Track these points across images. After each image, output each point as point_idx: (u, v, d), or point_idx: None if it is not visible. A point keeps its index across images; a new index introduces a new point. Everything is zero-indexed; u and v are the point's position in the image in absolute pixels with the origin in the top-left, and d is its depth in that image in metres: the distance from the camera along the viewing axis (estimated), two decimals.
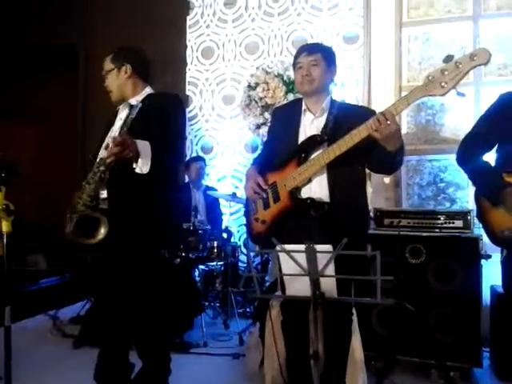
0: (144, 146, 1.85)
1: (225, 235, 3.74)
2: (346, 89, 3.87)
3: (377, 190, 3.28)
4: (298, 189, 1.95)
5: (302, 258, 1.52)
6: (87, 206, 1.90)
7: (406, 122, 3.33)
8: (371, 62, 3.40)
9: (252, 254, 3.63)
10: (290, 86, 3.54)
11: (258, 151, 2.89)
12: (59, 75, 5.06)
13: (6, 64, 5.01)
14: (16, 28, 4.94)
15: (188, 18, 4.51)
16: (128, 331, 2.06)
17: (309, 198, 1.92)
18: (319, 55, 1.95)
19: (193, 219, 3.34)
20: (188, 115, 4.50)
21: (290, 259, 1.53)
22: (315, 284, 1.54)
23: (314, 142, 1.94)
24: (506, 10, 3.16)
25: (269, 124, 2.45)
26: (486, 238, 2.51)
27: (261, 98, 3.70)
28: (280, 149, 2.06)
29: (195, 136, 4.50)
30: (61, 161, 4.95)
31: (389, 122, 1.66)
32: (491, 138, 2.01)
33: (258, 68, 4.01)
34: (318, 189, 1.94)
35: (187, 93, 4.51)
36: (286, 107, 2.28)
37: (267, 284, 3.11)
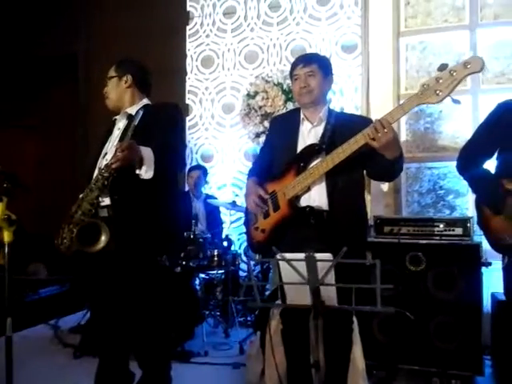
0: (147, 152, 1.88)
1: (225, 244, 3.74)
2: (344, 97, 3.90)
3: (376, 198, 3.29)
4: (297, 197, 1.96)
5: (301, 267, 1.52)
6: (87, 215, 1.91)
7: (404, 130, 3.35)
8: (369, 70, 3.42)
9: (252, 262, 3.63)
10: (289, 94, 3.57)
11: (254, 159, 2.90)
12: (59, 85, 5.10)
13: (6, 73, 5.04)
14: (16, 37, 4.98)
15: (188, 27, 4.55)
16: (128, 340, 2.06)
17: (308, 207, 1.94)
18: (315, 66, 1.98)
19: (193, 228, 3.35)
20: (188, 124, 4.53)
21: (290, 268, 1.53)
22: (315, 292, 1.54)
23: (312, 151, 1.96)
24: (503, 18, 3.19)
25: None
26: (486, 245, 2.52)
27: (260, 107, 3.72)
28: (278, 158, 2.08)
29: (195, 144, 4.51)
30: (61, 170, 4.97)
31: (386, 130, 1.68)
32: (491, 145, 2.02)
33: (257, 77, 4.05)
34: (317, 197, 1.95)
35: (187, 102, 4.53)
36: (283, 117, 2.30)
37: (268, 293, 3.11)
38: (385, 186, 3.25)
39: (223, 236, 3.87)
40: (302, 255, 1.49)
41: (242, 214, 3.68)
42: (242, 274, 3.87)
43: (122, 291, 2.00)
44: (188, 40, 4.55)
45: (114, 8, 4.74)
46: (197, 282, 3.41)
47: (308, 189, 1.95)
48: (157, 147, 1.91)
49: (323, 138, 1.96)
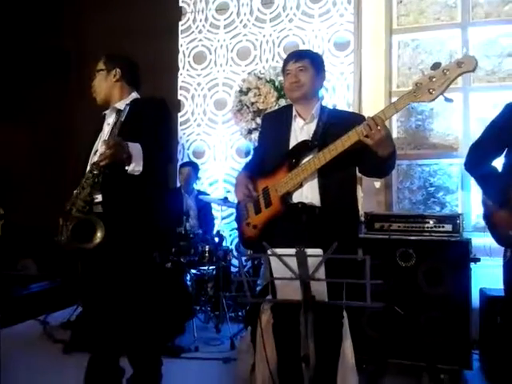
0: (135, 148, 1.88)
1: (216, 239, 3.74)
2: (337, 94, 3.92)
3: (368, 194, 3.31)
4: (289, 194, 1.97)
5: (292, 262, 1.53)
6: (81, 212, 1.91)
7: (396, 127, 3.37)
8: (362, 67, 3.43)
9: (243, 258, 3.64)
10: (281, 91, 3.57)
11: (250, 156, 2.91)
12: (51, 80, 5.04)
13: None
14: (5, 30, 4.92)
15: (180, 23, 4.53)
16: (119, 336, 2.05)
17: (300, 203, 1.94)
18: (307, 61, 1.98)
19: (184, 224, 3.35)
20: (180, 120, 4.52)
21: (281, 263, 1.54)
22: (306, 287, 1.55)
23: (304, 148, 1.96)
24: (494, 17, 3.22)
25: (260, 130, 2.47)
26: (474, 242, 2.55)
27: (252, 103, 3.72)
28: (271, 154, 2.08)
29: (187, 140, 4.50)
30: (52, 165, 4.92)
31: (379, 127, 1.69)
32: (499, 145, 2.04)
33: (249, 73, 4.04)
34: (309, 193, 1.96)
35: (179, 98, 4.52)
36: (275, 113, 2.30)
37: (259, 288, 3.12)
38: (376, 183, 3.27)
39: (215, 232, 3.87)
40: (292, 250, 1.50)
41: (233, 210, 3.69)
42: (233, 269, 3.88)
43: (114, 287, 1.99)
44: (180, 36, 4.53)
45: (106, 3, 4.70)
46: (188, 277, 3.40)
47: (300, 185, 1.96)
48: (145, 143, 1.91)
49: (315, 135, 1.96)
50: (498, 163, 2.05)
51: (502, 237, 1.93)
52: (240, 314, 3.69)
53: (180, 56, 4.53)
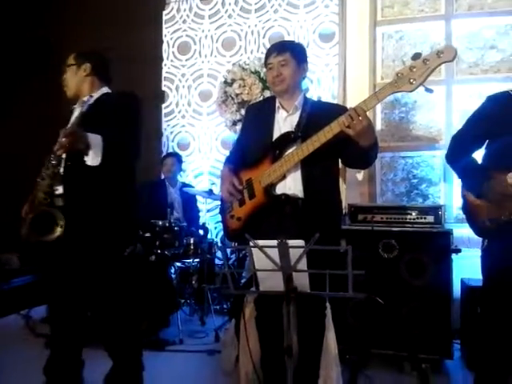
0: (95, 139, 1.87)
1: (201, 232, 3.73)
2: (322, 85, 3.91)
3: (351, 186, 3.32)
4: (272, 185, 1.96)
5: (275, 254, 1.52)
6: (43, 204, 1.91)
7: (380, 119, 3.38)
8: (346, 59, 3.43)
9: (228, 250, 3.63)
10: (266, 82, 3.54)
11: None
12: (32, 71, 4.93)
13: None
14: None
15: (164, 12, 4.46)
16: (79, 328, 2.06)
17: (283, 194, 1.94)
18: (288, 55, 1.96)
19: (169, 216, 3.32)
20: (164, 111, 4.48)
21: (263, 255, 1.53)
22: (288, 279, 1.55)
23: (287, 139, 1.95)
24: (477, 9, 3.23)
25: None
26: (456, 233, 2.58)
27: (237, 95, 3.69)
28: (254, 146, 2.07)
29: (171, 132, 4.46)
30: (35, 159, 4.83)
31: (361, 118, 1.68)
32: (480, 137, 2.05)
33: (234, 64, 4.00)
34: (292, 185, 1.96)
35: (163, 88, 4.47)
36: (259, 105, 2.29)
37: (244, 280, 3.12)
38: (360, 175, 3.29)
39: (199, 224, 3.85)
40: (274, 242, 1.50)
41: (218, 203, 3.67)
42: (218, 262, 3.87)
43: (76, 281, 1.98)
44: (164, 26, 4.47)
45: None
46: (172, 270, 3.38)
47: (283, 177, 1.95)
48: (108, 135, 1.89)
49: (298, 126, 1.96)
50: (478, 155, 2.07)
51: (480, 227, 1.94)
52: (225, 306, 3.70)
53: (164, 46, 4.47)
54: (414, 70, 1.63)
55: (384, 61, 3.37)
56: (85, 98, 2.09)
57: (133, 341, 2.10)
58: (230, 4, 4.27)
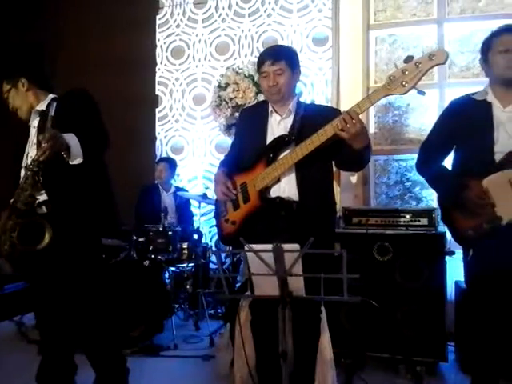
0: (71, 138, 1.86)
1: (195, 236, 3.71)
2: (315, 89, 3.92)
3: (345, 189, 3.33)
4: (267, 188, 1.96)
5: (269, 258, 1.52)
6: (23, 216, 1.88)
7: (373, 123, 3.39)
8: (340, 63, 3.44)
9: (223, 254, 3.62)
10: (260, 86, 3.54)
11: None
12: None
13: None
14: None
15: (157, 17, 4.47)
16: (70, 334, 2.04)
17: (278, 197, 1.94)
18: (283, 63, 1.94)
19: (162, 221, 3.30)
20: (158, 115, 4.47)
21: (258, 259, 1.53)
22: (283, 283, 1.54)
23: (281, 143, 1.95)
24: (469, 13, 3.26)
25: None
26: (450, 235, 2.58)
27: (231, 99, 3.69)
28: (248, 150, 2.07)
29: (165, 136, 4.45)
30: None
31: (354, 121, 1.69)
32: (447, 143, 2.08)
33: (228, 68, 4.01)
34: (286, 188, 1.96)
35: (157, 93, 4.46)
36: (252, 109, 2.29)
37: (238, 285, 3.11)
38: (354, 178, 3.29)
39: (194, 229, 3.84)
40: (269, 246, 1.49)
41: (212, 207, 3.65)
42: (212, 266, 3.85)
43: (63, 286, 1.97)
44: (158, 30, 4.47)
45: None
46: (166, 275, 3.36)
47: (278, 180, 1.95)
48: (79, 133, 1.89)
49: (292, 129, 1.96)
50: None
51: (462, 236, 1.95)
52: (219, 311, 3.68)
53: (158, 50, 4.47)
54: (407, 72, 1.64)
55: (377, 64, 3.38)
56: (37, 107, 2.07)
57: (112, 347, 2.08)
58: (223, 8, 4.28)
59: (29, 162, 1.93)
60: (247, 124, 2.14)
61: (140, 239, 3.25)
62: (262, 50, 4.02)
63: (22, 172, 1.99)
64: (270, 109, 2.04)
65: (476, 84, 3.29)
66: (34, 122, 2.08)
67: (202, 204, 3.78)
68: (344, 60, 3.43)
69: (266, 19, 4.14)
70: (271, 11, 4.13)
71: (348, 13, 3.41)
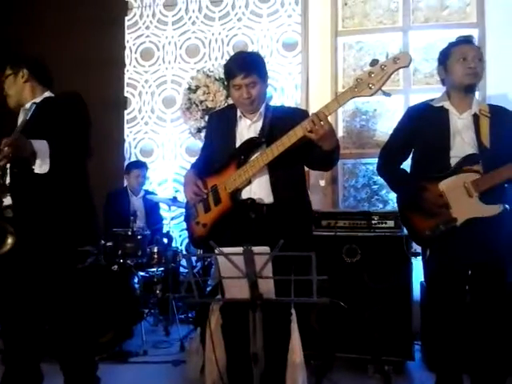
0: (41, 145, 1.81)
1: (165, 240, 3.67)
2: (285, 94, 3.96)
3: (314, 192, 3.37)
4: (238, 190, 1.96)
5: (240, 261, 1.52)
6: None
7: (341, 127, 3.45)
8: (309, 68, 3.48)
9: (194, 258, 3.59)
10: None
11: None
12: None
13: None
14: None
15: (126, 18, 4.40)
16: (35, 341, 1.99)
17: (249, 199, 1.94)
18: (255, 76, 1.93)
19: (131, 225, 3.25)
20: (126, 117, 4.40)
21: (229, 262, 1.52)
22: (253, 286, 1.55)
23: (252, 145, 1.96)
24: (433, 22, 3.37)
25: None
26: None
27: (201, 102, 3.68)
28: (218, 153, 2.07)
29: (134, 139, 4.38)
30: None
31: (322, 123, 1.72)
32: (405, 147, 2.16)
33: (198, 71, 3.99)
34: (257, 190, 1.96)
35: (126, 94, 4.39)
36: (220, 113, 2.29)
37: (210, 288, 3.10)
38: (322, 181, 3.34)
39: (163, 232, 3.79)
40: (239, 249, 1.49)
41: (183, 210, 3.63)
42: (182, 270, 3.81)
43: (28, 292, 1.92)
44: (127, 31, 4.41)
45: None
46: (136, 280, 3.31)
47: (249, 182, 1.96)
48: (54, 140, 1.85)
49: (262, 132, 1.97)
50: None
51: (420, 237, 2.03)
52: (190, 315, 3.64)
53: (126, 52, 4.41)
54: (373, 75, 1.68)
55: (345, 70, 3.45)
56: (27, 105, 2.04)
57: (86, 355, 2.03)
58: (193, 11, 4.26)
59: None
60: (216, 127, 2.14)
61: (108, 244, 3.18)
62: (232, 53, 4.03)
63: None
64: (239, 114, 2.05)
65: (440, 90, 3.35)
66: (21, 119, 2.03)
67: (172, 207, 3.75)
68: (313, 65, 3.48)
69: (237, 23, 4.16)
70: (241, 15, 4.15)
71: (317, 19, 3.47)
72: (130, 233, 3.19)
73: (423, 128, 2.05)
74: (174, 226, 4.04)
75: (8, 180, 1.92)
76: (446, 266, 1.98)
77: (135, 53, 4.39)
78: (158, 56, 4.33)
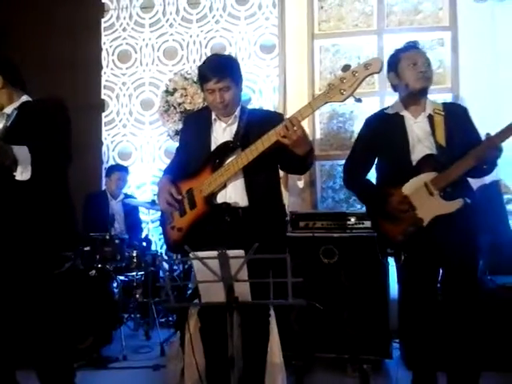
0: (21, 152, 1.79)
1: (144, 244, 3.64)
2: (263, 96, 3.98)
3: (293, 194, 3.39)
4: (213, 194, 1.97)
5: (215, 265, 1.52)
6: None
7: (319, 129, 3.48)
8: (286, 70, 3.51)
9: (171, 262, 3.58)
10: None
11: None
12: None
13: None
14: None
15: (103, 20, 4.36)
16: (10, 350, 1.96)
17: (224, 203, 1.95)
18: (229, 81, 1.93)
19: (109, 228, 3.22)
20: (104, 120, 4.36)
21: (204, 266, 1.53)
22: (229, 289, 1.55)
23: (226, 149, 1.97)
24: (407, 25, 3.44)
25: None
26: None
27: (179, 104, 3.67)
28: (194, 156, 2.07)
29: (112, 142, 4.34)
30: None
31: (295, 128, 1.74)
32: (368, 157, 2.21)
33: (176, 74, 3.98)
34: (233, 194, 1.97)
35: (103, 97, 4.35)
36: (196, 115, 2.30)
37: (190, 292, 3.09)
38: (301, 183, 3.36)
39: (143, 236, 3.77)
40: (215, 253, 1.50)
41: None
42: (162, 274, 3.79)
43: (7, 300, 1.89)
44: (103, 33, 4.37)
45: None
46: (115, 284, 3.27)
47: (224, 185, 1.96)
48: (35, 146, 1.82)
49: (237, 135, 1.98)
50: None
51: (393, 243, 2.06)
52: (171, 319, 3.63)
53: (103, 54, 4.37)
54: (345, 81, 1.70)
55: (322, 73, 3.48)
56: (6, 110, 2.01)
57: (63, 362, 2.00)
58: (170, 13, 4.25)
59: None
60: (192, 130, 2.13)
61: (86, 248, 3.14)
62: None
63: None
64: (214, 116, 2.05)
65: None
66: (0, 125, 1.99)
67: (151, 211, 3.72)
68: (290, 68, 3.50)
69: (214, 25, 4.16)
70: (219, 18, 4.16)
71: (293, 22, 3.49)
72: (107, 237, 3.16)
73: (382, 137, 2.10)
74: (154, 229, 4.02)
75: None
76: (418, 267, 2.02)
77: (112, 55, 4.36)
78: (136, 58, 4.31)
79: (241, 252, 1.51)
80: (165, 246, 3.96)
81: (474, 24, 3.28)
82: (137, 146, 4.30)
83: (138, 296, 3.42)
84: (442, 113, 2.04)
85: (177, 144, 3.88)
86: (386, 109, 2.17)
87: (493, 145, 1.86)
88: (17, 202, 1.87)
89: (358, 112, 3.37)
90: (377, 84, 3.33)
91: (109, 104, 4.35)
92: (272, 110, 3.72)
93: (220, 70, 1.94)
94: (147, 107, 4.26)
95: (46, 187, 1.92)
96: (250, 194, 1.96)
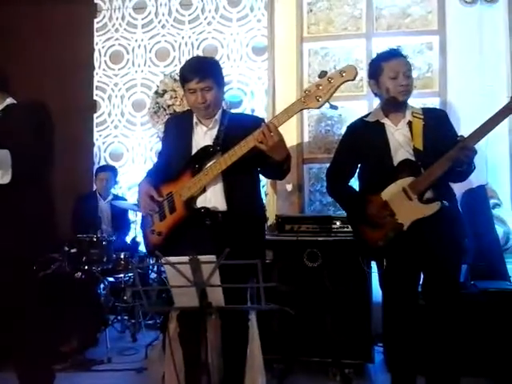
0: (2, 155, 1.79)
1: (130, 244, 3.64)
2: (255, 98, 3.98)
3: (281, 197, 3.39)
4: (193, 199, 1.97)
5: (188, 270, 1.53)
6: None
7: (307, 132, 3.48)
8: (275, 73, 3.51)
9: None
10: None
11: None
12: None
13: None
14: None
15: (95, 20, 4.37)
16: None
17: (203, 207, 1.95)
18: (211, 81, 1.94)
19: (96, 230, 3.22)
20: (96, 121, 4.36)
21: (176, 271, 1.53)
22: (202, 294, 1.56)
23: (207, 153, 1.98)
24: (395, 29, 3.43)
25: None
26: None
27: (169, 106, 3.68)
28: (174, 160, 2.07)
29: (103, 143, 4.35)
30: None
31: (272, 134, 1.74)
32: (350, 165, 2.21)
33: (166, 75, 3.98)
34: (212, 198, 1.98)
35: (95, 98, 4.35)
36: (178, 118, 2.29)
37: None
38: (289, 186, 3.36)
39: (131, 238, 3.77)
40: (186, 258, 1.50)
41: None
42: (151, 275, 3.79)
43: None
44: (96, 34, 4.37)
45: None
46: (102, 286, 3.27)
47: (204, 190, 1.97)
48: (15, 149, 1.82)
49: (217, 140, 1.99)
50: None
51: (374, 249, 2.05)
52: (158, 321, 3.62)
53: (96, 55, 4.37)
54: (320, 87, 1.71)
55: (310, 75, 3.48)
56: None
57: (43, 365, 2.01)
58: (163, 14, 4.25)
59: None
60: (173, 133, 2.14)
61: (72, 250, 3.14)
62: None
63: None
64: (195, 120, 2.05)
65: None
66: None
67: (139, 213, 3.71)
68: (279, 70, 3.50)
69: (207, 27, 4.17)
70: (211, 19, 4.16)
71: (283, 25, 3.49)
72: (94, 239, 3.16)
73: (364, 144, 2.10)
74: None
75: None
76: (400, 272, 2.02)
77: (104, 56, 4.36)
78: (128, 59, 4.31)
79: (212, 257, 1.51)
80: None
81: (462, 28, 3.27)
82: (128, 147, 4.30)
83: (125, 298, 3.42)
84: (421, 116, 2.04)
85: None
86: (365, 116, 2.17)
87: (465, 146, 1.86)
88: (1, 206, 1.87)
89: (346, 115, 3.36)
90: (365, 87, 3.32)
91: (101, 105, 4.36)
92: (264, 111, 3.74)
93: (202, 70, 1.95)
94: (139, 108, 4.27)
95: (25, 190, 1.92)
96: (229, 198, 1.96)
